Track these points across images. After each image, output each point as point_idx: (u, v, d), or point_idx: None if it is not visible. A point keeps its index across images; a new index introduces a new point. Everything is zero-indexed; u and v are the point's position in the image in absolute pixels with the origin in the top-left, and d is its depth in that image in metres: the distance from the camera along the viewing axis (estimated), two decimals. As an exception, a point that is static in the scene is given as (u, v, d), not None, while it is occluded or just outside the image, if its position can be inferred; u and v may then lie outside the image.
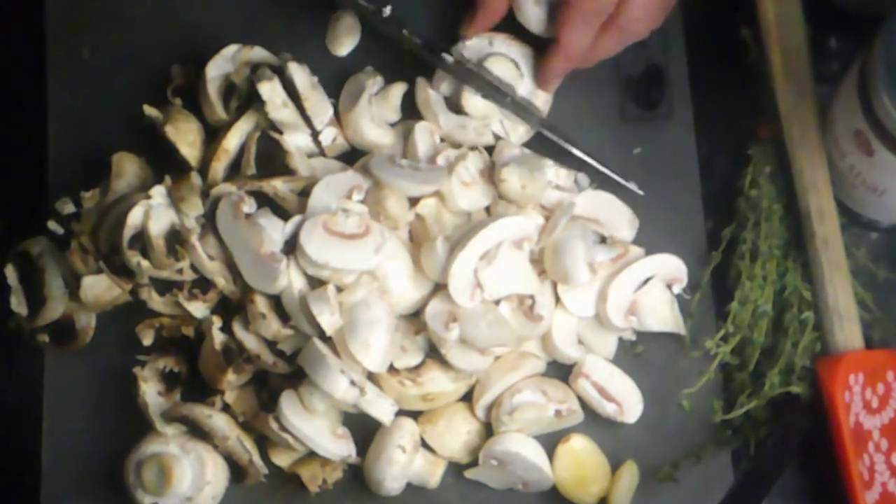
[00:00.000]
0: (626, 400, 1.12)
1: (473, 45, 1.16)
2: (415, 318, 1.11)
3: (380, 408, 1.07)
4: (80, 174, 1.17)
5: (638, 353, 1.14)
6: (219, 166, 1.14)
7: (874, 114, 1.00)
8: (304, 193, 1.11)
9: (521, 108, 1.15)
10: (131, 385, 1.12)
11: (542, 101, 1.17)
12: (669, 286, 1.13)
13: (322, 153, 1.17)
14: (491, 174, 1.13)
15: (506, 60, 1.15)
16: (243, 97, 1.16)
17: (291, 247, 1.08)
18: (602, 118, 1.14)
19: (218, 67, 1.17)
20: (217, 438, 1.11)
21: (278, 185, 1.11)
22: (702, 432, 1.12)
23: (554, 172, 1.13)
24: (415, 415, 1.12)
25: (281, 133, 1.14)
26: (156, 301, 1.12)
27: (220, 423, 1.11)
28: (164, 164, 1.15)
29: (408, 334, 1.11)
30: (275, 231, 1.09)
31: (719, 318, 1.13)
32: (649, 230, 1.15)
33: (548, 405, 1.11)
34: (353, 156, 1.17)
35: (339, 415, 1.11)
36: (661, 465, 1.11)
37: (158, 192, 1.11)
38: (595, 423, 1.13)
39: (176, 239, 1.10)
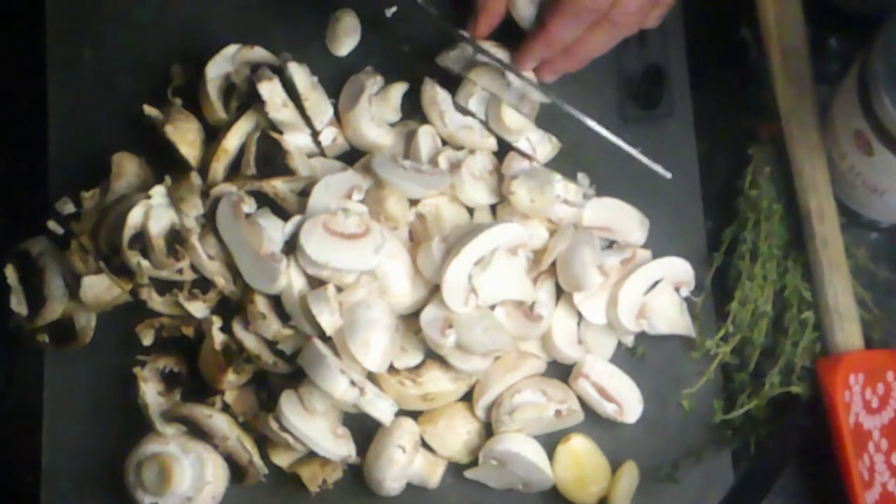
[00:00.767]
0: (625, 400, 1.12)
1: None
2: (415, 318, 1.11)
3: (380, 408, 1.07)
4: (80, 174, 1.17)
5: (638, 354, 1.14)
6: (219, 166, 1.14)
7: (874, 114, 1.00)
8: (304, 193, 1.11)
9: (531, 84, 1.14)
10: (131, 385, 1.13)
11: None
12: (677, 289, 1.13)
13: (322, 153, 1.17)
14: (497, 174, 1.13)
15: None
16: (243, 97, 1.16)
17: (291, 247, 1.08)
18: (602, 118, 1.14)
19: (218, 67, 1.17)
20: (217, 438, 1.11)
21: (278, 185, 1.11)
22: (702, 432, 1.12)
23: (563, 187, 1.12)
24: (415, 415, 1.12)
25: (281, 133, 1.14)
26: (156, 301, 1.12)
27: (220, 423, 1.11)
28: (164, 164, 1.16)
29: (408, 334, 1.11)
30: (275, 231, 1.09)
31: (719, 318, 1.13)
32: (650, 230, 1.15)
33: (548, 405, 1.11)
34: (353, 156, 1.17)
35: (339, 415, 1.11)
36: (661, 466, 1.11)
37: (158, 192, 1.11)
38: (595, 423, 1.13)
39: (176, 239, 1.10)
